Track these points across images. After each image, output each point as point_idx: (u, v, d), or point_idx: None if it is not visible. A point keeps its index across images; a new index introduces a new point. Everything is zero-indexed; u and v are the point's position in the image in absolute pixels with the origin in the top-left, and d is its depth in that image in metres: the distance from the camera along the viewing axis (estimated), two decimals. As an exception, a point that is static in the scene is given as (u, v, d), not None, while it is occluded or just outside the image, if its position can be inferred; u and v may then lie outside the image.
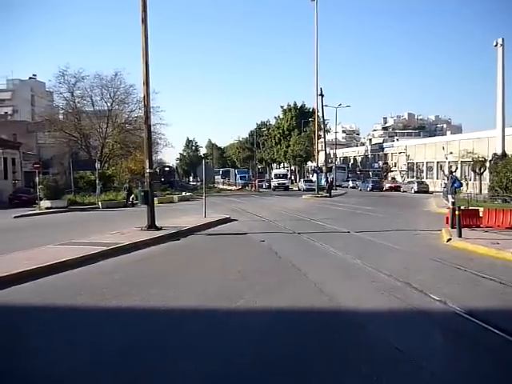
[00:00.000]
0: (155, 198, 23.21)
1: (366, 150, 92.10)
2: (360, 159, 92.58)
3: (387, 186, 62.05)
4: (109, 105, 48.96)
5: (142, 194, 17.98)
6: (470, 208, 21.18)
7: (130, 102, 49.94)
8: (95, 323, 7.23)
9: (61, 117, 50.67)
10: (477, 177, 46.52)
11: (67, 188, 35.19)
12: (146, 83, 17.63)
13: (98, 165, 34.93)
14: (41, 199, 29.67)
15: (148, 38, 17.36)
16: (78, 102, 48.56)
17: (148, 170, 17.86)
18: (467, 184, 46.90)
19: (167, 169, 78.57)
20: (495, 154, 36.18)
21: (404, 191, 55.78)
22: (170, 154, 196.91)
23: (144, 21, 17.22)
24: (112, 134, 48.44)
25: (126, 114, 51.26)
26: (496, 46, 35.93)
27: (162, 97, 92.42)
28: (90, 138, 49.54)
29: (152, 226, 17.24)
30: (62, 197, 31.44)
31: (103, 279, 10.01)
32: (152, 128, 35.17)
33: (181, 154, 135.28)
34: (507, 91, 36.12)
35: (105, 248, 13.08)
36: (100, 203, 31.62)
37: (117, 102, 49.33)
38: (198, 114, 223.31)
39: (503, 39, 35.71)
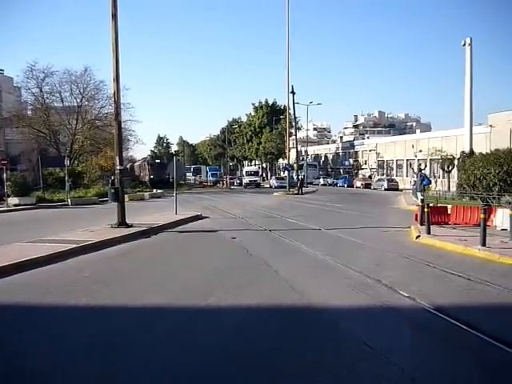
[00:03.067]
0: (126, 195, 23.00)
1: (337, 148, 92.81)
2: (331, 157, 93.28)
3: (358, 183, 62.77)
4: (78, 101, 48.16)
5: (112, 190, 17.75)
6: (439, 205, 21.51)
7: (101, 98, 49.26)
8: (64, 322, 7.11)
9: (29, 113, 49.61)
10: (445, 174, 47.35)
11: (36, 185, 34.52)
12: (116, 79, 17.40)
13: (67, 161, 34.38)
14: (8, 196, 29.03)
15: (118, 33, 17.11)
16: (47, 98, 47.63)
17: (118, 167, 17.66)
18: (436, 182, 47.83)
19: (158, 161, 66.08)
20: (463, 152, 36.81)
21: (374, 188, 56.54)
22: (141, 151, 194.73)
23: (114, 16, 16.97)
24: (82, 131, 47.66)
25: (96, 110, 50.53)
26: (464, 45, 36.50)
27: (132, 93, 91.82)
28: (60, 135, 48.65)
29: (122, 223, 17.06)
30: (30, 194, 30.83)
31: (73, 277, 9.86)
32: (123, 124, 34.87)
33: (152, 150, 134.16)
34: (475, 90, 36.84)
35: (74, 245, 12.89)
36: (69, 200, 31.10)
37: (87, 98, 48.56)
38: (169, 110, 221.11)
39: (471, 39, 36.31)
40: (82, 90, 47.90)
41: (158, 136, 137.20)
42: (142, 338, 6.40)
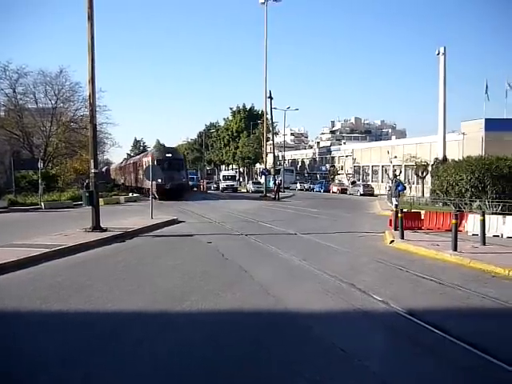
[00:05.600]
0: (101, 199, 22.78)
1: (314, 153, 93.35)
2: (308, 162, 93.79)
3: (334, 188, 63.17)
4: (53, 102, 47.45)
5: (87, 194, 17.56)
6: (413, 211, 21.86)
7: (76, 100, 48.59)
8: (37, 328, 6.98)
9: (1, 114, 48.71)
10: (419, 180, 47.91)
11: (8, 188, 33.94)
12: (92, 81, 17.24)
13: (40, 164, 33.82)
14: (-22, 199, 28.52)
15: (94, 35, 16.96)
16: (21, 99, 46.75)
17: (93, 170, 17.47)
18: (410, 187, 48.38)
19: (169, 155, 41.21)
20: (437, 158, 37.47)
21: (350, 194, 56.95)
22: (117, 154, 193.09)
23: (90, 18, 16.83)
24: (56, 133, 46.96)
25: (72, 112, 49.83)
26: (438, 54, 37.23)
27: (109, 96, 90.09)
28: (33, 137, 47.82)
29: (97, 227, 16.88)
30: (1, 197, 30.29)
31: (45, 282, 9.71)
32: (98, 127, 34.60)
33: (128, 154, 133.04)
34: (448, 98, 37.51)
35: (47, 250, 12.67)
36: (43, 204, 30.60)
37: (62, 99, 47.88)
38: (146, 113, 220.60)
39: (445, 48, 37.07)
40: (56, 92, 47.26)
41: (135, 139, 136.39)
42: (115, 345, 6.33)
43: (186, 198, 38.99)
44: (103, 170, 74.87)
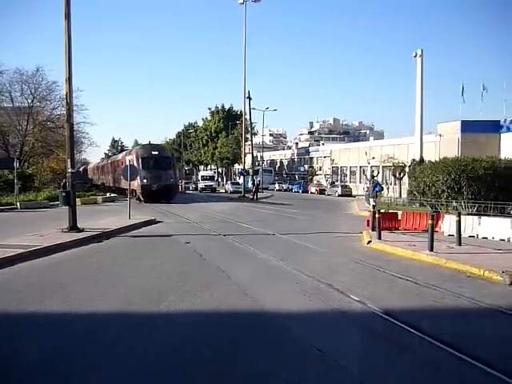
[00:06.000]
0: (78, 199, 22.53)
1: (293, 154, 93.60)
2: (286, 162, 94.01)
3: (313, 189, 63.47)
4: (29, 101, 46.85)
5: (63, 194, 17.35)
6: (390, 211, 22.04)
7: (53, 100, 48.11)
8: (11, 330, 6.87)
9: (-24, 112, 48.03)
10: (397, 181, 48.43)
11: (-18, 187, 33.39)
12: (69, 80, 17.03)
13: (16, 163, 33.30)
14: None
15: (71, 34, 16.77)
16: (-4, 98, 46.24)
17: (70, 170, 17.26)
18: (388, 188, 48.87)
19: (156, 153, 37.40)
20: (414, 159, 37.87)
21: (328, 194, 57.30)
22: (95, 154, 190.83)
23: (67, 16, 16.63)
24: (33, 132, 46.35)
25: (48, 111, 49.31)
26: (415, 56, 37.66)
27: (87, 95, 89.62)
28: (9, 136, 47.23)
29: (73, 227, 16.68)
30: (-24, 197, 29.77)
31: (20, 283, 9.56)
32: (76, 127, 34.22)
33: (106, 153, 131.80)
34: (425, 100, 37.96)
35: (22, 250, 12.46)
36: (19, 204, 30.10)
37: (38, 98, 47.32)
38: (124, 113, 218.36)
39: (422, 50, 37.50)
40: (33, 91, 46.71)
41: (113, 139, 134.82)
42: (91, 346, 6.24)
43: (174, 200, 36.38)
44: (80, 169, 73.99)
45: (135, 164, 32.19)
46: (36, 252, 12.71)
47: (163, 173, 35.87)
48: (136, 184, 32.82)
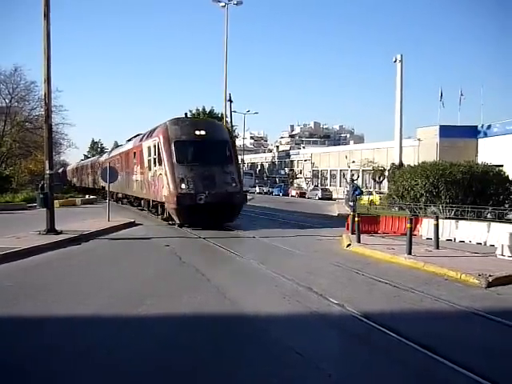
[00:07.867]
0: (56, 201, 22.25)
1: (273, 157, 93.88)
2: (267, 165, 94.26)
3: (293, 192, 63.67)
4: (7, 101, 46.30)
5: (41, 196, 17.12)
6: (369, 215, 22.17)
7: (31, 100, 47.59)
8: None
9: (-48, 112, 47.29)
10: (376, 185, 48.84)
11: (-43, 189, 32.82)
12: (48, 81, 16.83)
13: (-8, 165, 32.97)
14: None
15: (50, 33, 16.55)
16: (-28, 97, 45.59)
17: (48, 172, 17.07)
18: (371, 193, 49.21)
19: (202, 134, 20.41)
20: (393, 163, 38.30)
21: (309, 198, 57.49)
22: (74, 156, 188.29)
23: (46, 16, 16.43)
24: (10, 133, 45.81)
25: (27, 111, 48.74)
26: (395, 61, 38.09)
27: (65, 96, 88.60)
28: (-15, 136, 46.62)
29: (51, 229, 16.47)
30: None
31: (-6, 287, 9.42)
32: (54, 128, 33.85)
33: (85, 155, 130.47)
34: (405, 105, 38.42)
35: (-2, 253, 12.30)
36: (-5, 205, 29.73)
37: (16, 98, 46.78)
38: (104, 115, 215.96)
39: (402, 56, 37.98)
40: (11, 91, 46.15)
41: (92, 140, 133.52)
42: (66, 351, 6.14)
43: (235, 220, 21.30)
44: (59, 171, 73.20)
45: (163, 154, 20.19)
46: (11, 254, 12.47)
47: (218, 171, 20.36)
48: (165, 192, 20.03)
